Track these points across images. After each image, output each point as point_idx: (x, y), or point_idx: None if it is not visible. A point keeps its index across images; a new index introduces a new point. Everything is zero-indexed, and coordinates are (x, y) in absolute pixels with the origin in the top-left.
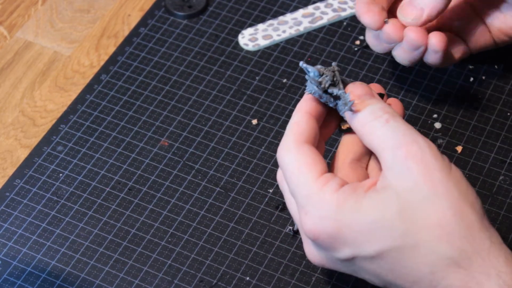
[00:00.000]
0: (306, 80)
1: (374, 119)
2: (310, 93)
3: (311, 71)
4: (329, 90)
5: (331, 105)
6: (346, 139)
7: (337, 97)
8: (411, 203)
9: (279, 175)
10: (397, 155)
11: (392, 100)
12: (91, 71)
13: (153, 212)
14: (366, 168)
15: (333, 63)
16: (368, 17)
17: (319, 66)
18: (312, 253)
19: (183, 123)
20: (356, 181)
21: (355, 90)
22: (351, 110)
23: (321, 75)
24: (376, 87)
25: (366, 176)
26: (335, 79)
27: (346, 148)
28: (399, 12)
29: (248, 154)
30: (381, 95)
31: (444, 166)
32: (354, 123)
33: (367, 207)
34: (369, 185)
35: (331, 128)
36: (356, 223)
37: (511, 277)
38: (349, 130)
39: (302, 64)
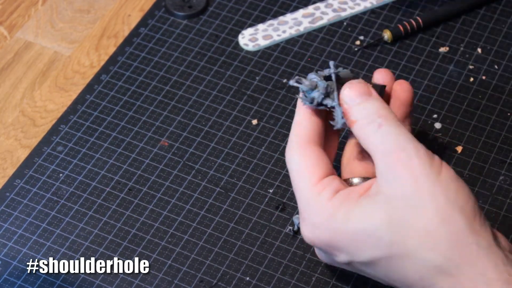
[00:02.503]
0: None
1: (368, 124)
2: (305, 104)
3: (303, 87)
4: (324, 102)
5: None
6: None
7: (333, 107)
8: (399, 211)
9: None
10: (387, 161)
11: (399, 82)
12: (91, 71)
13: (153, 212)
14: None
15: (331, 63)
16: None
17: (312, 76)
18: (318, 252)
19: (183, 123)
20: (364, 174)
21: (352, 92)
22: (344, 126)
23: (314, 87)
24: (382, 75)
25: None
26: (328, 90)
27: (355, 140)
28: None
29: (248, 154)
30: (383, 87)
31: (432, 172)
32: (352, 128)
33: (357, 216)
34: (364, 189)
35: None
36: (347, 231)
37: (500, 284)
38: None
39: (292, 82)
